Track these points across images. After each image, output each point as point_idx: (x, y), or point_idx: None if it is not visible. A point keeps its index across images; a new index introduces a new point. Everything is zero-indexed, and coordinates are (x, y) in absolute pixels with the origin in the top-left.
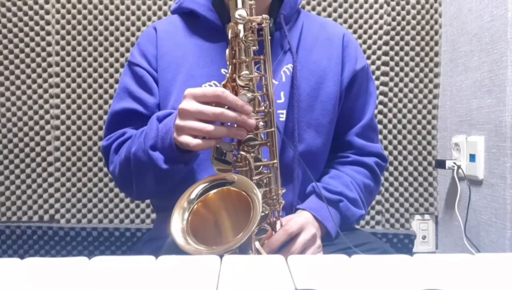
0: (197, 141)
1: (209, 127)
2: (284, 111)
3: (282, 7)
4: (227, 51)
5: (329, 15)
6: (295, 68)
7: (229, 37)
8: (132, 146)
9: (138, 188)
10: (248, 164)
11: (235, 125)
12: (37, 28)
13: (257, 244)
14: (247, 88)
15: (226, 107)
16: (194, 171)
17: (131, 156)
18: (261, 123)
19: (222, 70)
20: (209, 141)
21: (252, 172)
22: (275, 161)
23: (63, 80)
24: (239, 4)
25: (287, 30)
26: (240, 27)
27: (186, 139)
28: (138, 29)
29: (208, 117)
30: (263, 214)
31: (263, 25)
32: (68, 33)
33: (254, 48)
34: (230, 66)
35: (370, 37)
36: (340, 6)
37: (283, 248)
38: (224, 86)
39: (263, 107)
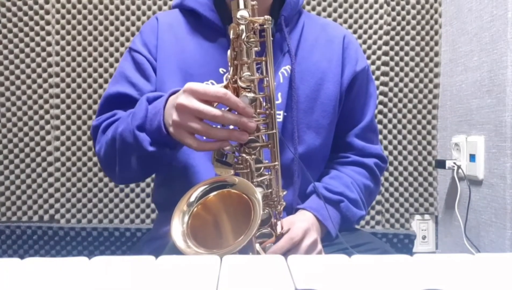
0: (198, 142)
1: (209, 128)
2: (281, 112)
3: (283, 8)
4: (229, 52)
5: (329, 15)
6: (293, 70)
7: (231, 38)
8: (119, 126)
9: (121, 170)
10: (249, 166)
11: (232, 127)
12: (37, 28)
13: (257, 246)
14: (248, 90)
15: (227, 108)
16: (195, 171)
17: (117, 136)
18: (262, 125)
19: (220, 70)
20: (211, 143)
21: (253, 174)
22: (276, 163)
23: (63, 80)
24: (241, 5)
25: (287, 31)
26: (242, 28)
27: (185, 139)
28: (138, 29)
29: (207, 118)
30: (264, 217)
31: (265, 26)
32: (68, 33)
33: (256, 49)
34: (232, 68)
35: (370, 37)
36: (340, 6)
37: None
38: (225, 88)
39: (264, 109)
